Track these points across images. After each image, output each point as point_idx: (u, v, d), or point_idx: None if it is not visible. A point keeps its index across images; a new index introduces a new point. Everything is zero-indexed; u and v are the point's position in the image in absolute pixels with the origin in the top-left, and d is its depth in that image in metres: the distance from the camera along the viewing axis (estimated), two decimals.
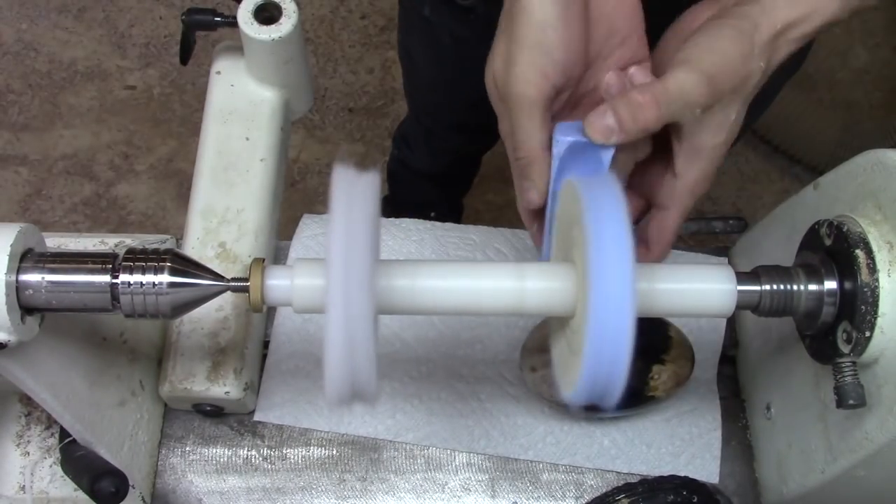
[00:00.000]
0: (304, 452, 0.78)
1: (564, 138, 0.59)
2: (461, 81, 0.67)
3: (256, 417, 0.78)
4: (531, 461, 0.77)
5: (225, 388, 0.73)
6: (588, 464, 0.76)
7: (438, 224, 0.87)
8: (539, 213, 0.63)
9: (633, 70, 0.61)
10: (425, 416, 0.78)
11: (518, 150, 0.60)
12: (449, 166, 0.89)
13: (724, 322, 0.81)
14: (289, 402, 0.78)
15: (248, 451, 0.77)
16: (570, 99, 0.62)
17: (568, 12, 0.57)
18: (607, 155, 0.59)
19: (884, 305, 0.56)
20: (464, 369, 0.80)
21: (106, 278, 0.55)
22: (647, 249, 0.65)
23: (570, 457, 0.76)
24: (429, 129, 1.29)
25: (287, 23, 0.81)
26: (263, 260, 0.56)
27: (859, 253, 0.57)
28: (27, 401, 0.74)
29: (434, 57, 1.07)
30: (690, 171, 0.60)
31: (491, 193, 1.84)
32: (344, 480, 0.77)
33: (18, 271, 0.54)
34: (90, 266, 0.56)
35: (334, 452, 0.78)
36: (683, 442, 0.77)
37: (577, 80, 0.61)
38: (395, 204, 1.52)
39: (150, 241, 0.78)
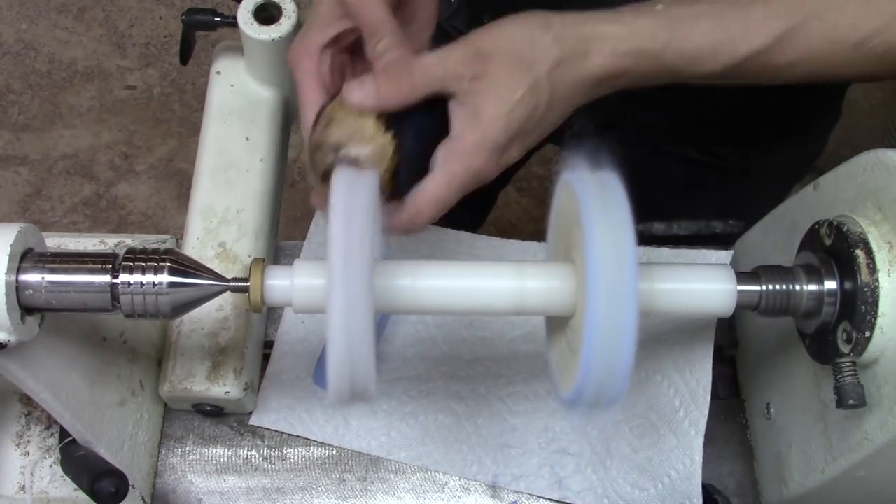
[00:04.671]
0: (303, 452, 0.78)
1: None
2: None
3: (252, 422, 0.78)
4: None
5: (225, 389, 0.73)
6: (577, 500, 0.74)
7: (452, 233, 0.84)
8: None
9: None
10: (420, 435, 0.77)
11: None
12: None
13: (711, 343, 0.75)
14: (285, 408, 0.78)
15: (248, 451, 0.77)
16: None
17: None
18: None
19: (884, 305, 0.56)
20: (464, 391, 0.79)
21: (106, 278, 0.55)
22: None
23: (561, 492, 0.75)
24: None
25: (287, 23, 0.81)
26: (263, 260, 0.56)
27: (859, 253, 0.57)
28: (27, 401, 0.74)
29: None
30: (465, 135, 0.59)
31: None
32: (344, 480, 0.77)
33: (18, 271, 0.54)
34: (90, 266, 0.56)
35: (334, 452, 0.78)
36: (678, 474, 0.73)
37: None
38: None
39: (150, 241, 0.78)
